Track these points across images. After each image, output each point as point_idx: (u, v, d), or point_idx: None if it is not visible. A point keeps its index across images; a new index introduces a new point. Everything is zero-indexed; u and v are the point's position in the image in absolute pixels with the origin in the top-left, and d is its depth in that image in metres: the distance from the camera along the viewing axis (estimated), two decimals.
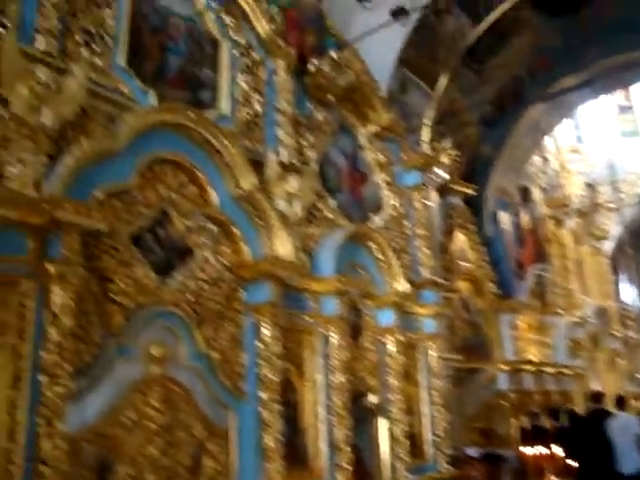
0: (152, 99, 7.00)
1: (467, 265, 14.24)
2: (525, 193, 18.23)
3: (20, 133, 5.60)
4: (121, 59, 6.84)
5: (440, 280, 11.52)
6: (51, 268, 5.40)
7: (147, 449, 6.12)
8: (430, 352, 10.49)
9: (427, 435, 10.18)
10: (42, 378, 5.24)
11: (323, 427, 7.98)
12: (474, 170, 15.86)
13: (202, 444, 6.67)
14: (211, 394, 6.80)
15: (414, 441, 9.76)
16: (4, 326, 5.26)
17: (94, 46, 6.57)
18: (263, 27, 8.64)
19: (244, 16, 8.53)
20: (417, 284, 10.62)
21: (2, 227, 5.33)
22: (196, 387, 6.68)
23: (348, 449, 8.01)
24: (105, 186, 6.04)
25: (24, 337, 5.31)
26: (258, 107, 8.40)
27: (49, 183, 5.59)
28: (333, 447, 7.96)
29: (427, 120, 13.25)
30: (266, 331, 7.18)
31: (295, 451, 7.63)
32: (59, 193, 5.51)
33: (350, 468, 7.95)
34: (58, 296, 5.38)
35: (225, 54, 8.17)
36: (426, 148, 12.35)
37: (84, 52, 6.46)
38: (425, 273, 10.90)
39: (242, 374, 7.13)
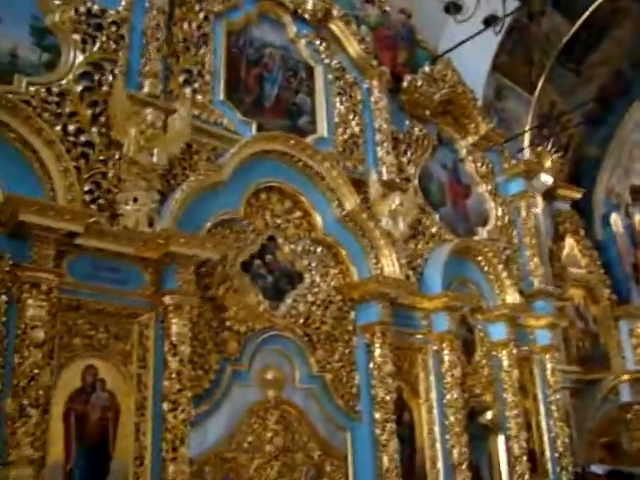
0: (253, 129, 7.18)
1: (579, 271, 13.60)
2: (636, 192, 17.30)
3: (132, 173, 5.88)
4: (221, 94, 7.06)
5: (552, 289, 11.09)
6: (168, 299, 5.62)
7: (266, 471, 6.22)
8: (546, 364, 10.09)
9: (547, 451, 9.77)
10: (165, 405, 5.45)
11: (439, 446, 7.82)
12: (580, 172, 15.20)
13: (319, 465, 6.70)
14: (326, 415, 6.83)
15: (534, 458, 9.39)
16: (127, 356, 5.52)
17: (195, 84, 6.83)
18: (355, 49, 8.68)
19: (335, 40, 8.61)
20: (528, 295, 10.26)
21: (121, 263, 5.62)
22: (311, 409, 6.73)
23: (465, 467, 7.80)
24: (214, 217, 6.26)
25: (146, 366, 5.55)
26: (356, 128, 8.43)
27: (161, 218, 5.84)
28: (450, 466, 7.78)
29: (527, 125, 12.85)
30: (378, 351, 7.14)
31: (412, 471, 7.52)
32: (172, 227, 5.74)
33: None
34: (176, 326, 5.58)
35: (320, 78, 8.27)
36: (528, 154, 11.95)
37: (186, 91, 6.72)
38: (536, 283, 10.51)
39: (356, 394, 7.12)
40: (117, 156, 5.92)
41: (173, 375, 5.47)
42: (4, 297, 4.97)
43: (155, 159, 5.99)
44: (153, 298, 5.68)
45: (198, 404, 5.81)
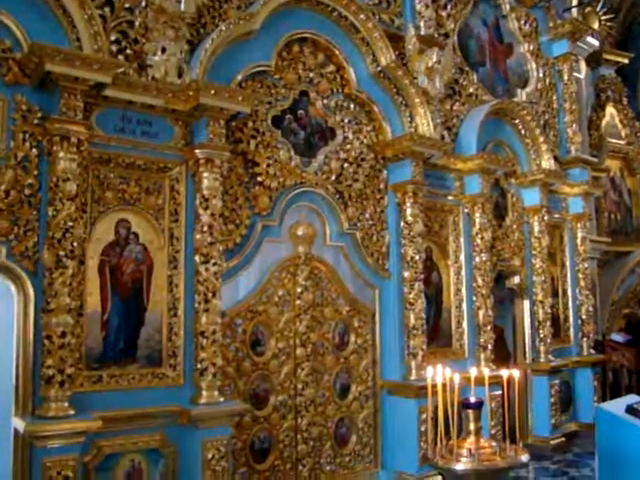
0: None
1: (618, 142, 13.15)
2: None
3: (160, 21, 5.60)
4: None
5: (589, 158, 10.79)
6: (199, 152, 5.50)
7: (295, 324, 6.36)
8: (576, 233, 10.01)
9: (571, 318, 9.92)
10: (197, 258, 5.48)
11: (465, 307, 7.93)
12: (630, 38, 14.33)
13: (347, 320, 6.84)
14: (355, 272, 6.89)
15: (557, 324, 9.56)
16: (159, 210, 5.50)
17: None
18: None
19: None
20: (564, 162, 10.02)
21: (150, 115, 5.47)
22: (341, 266, 6.78)
23: (489, 329, 7.93)
24: (245, 69, 6.00)
25: (178, 220, 5.54)
26: None
27: (191, 69, 5.61)
28: (475, 326, 7.92)
29: None
30: (409, 210, 7.07)
31: (437, 330, 7.69)
32: (201, 78, 5.52)
33: (491, 348, 7.90)
34: (207, 179, 5.50)
35: None
36: (575, 14, 11.19)
37: None
38: (573, 150, 10.22)
39: (385, 253, 7.14)
40: (144, 3, 5.61)
41: (205, 228, 5.46)
42: (35, 150, 4.92)
43: (183, 6, 5.69)
44: (184, 151, 5.58)
45: (229, 258, 5.87)
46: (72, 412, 4.73)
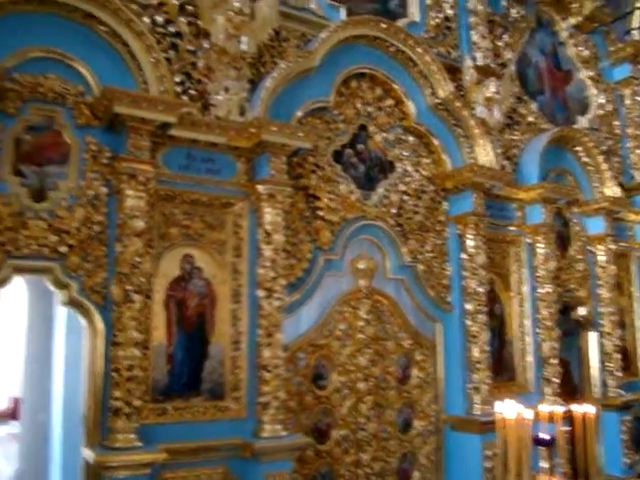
0: (342, 14, 6.87)
1: None
2: None
3: (222, 62, 5.78)
4: None
5: None
6: (261, 188, 5.60)
7: (357, 358, 6.34)
8: None
9: None
10: (259, 292, 5.54)
11: (530, 339, 7.76)
12: None
13: (409, 354, 6.78)
14: (417, 305, 6.85)
15: (626, 356, 9.21)
16: (223, 245, 5.61)
17: None
18: None
19: None
20: (628, 188, 9.76)
21: (214, 153, 5.61)
22: (402, 299, 6.75)
23: (556, 362, 7.73)
24: (305, 106, 6.11)
25: (241, 255, 5.63)
26: (449, 10, 7.94)
27: (252, 107, 5.74)
28: (540, 360, 7.74)
29: (637, 2, 11.76)
30: (470, 242, 7.02)
31: (502, 363, 7.53)
32: (263, 116, 5.64)
33: (557, 381, 7.69)
34: (269, 214, 5.60)
35: None
36: (637, 36, 10.99)
37: None
38: (637, 176, 9.96)
39: (447, 285, 7.08)
40: (206, 45, 5.81)
41: (267, 263, 5.54)
42: (104, 189, 5.09)
43: (244, 47, 5.85)
44: (246, 187, 5.69)
45: (291, 292, 5.91)
46: (139, 444, 4.81)
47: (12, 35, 4.86)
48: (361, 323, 6.39)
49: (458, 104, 7.03)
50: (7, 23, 4.84)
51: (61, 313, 6.72)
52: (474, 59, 7.76)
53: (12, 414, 13.82)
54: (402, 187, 6.82)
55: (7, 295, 4.94)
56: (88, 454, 4.81)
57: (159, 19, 5.63)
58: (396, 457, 6.59)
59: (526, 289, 7.83)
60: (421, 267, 6.86)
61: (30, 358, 8.64)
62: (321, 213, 6.18)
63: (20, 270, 4.83)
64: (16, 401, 12.92)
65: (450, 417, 6.92)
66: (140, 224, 5.02)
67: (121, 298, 4.92)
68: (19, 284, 7.82)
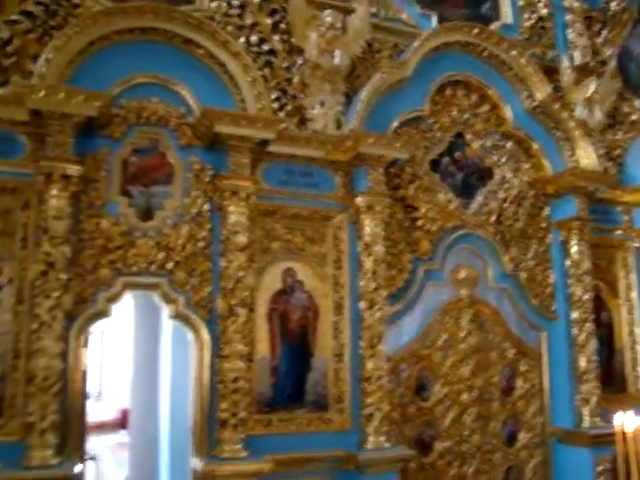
0: (433, 21, 6.79)
1: None
2: None
3: (316, 77, 5.83)
4: None
5: None
6: (360, 200, 5.58)
7: (460, 369, 6.19)
8: None
9: None
10: (361, 304, 5.51)
11: None
12: None
13: (513, 364, 6.56)
14: (520, 314, 6.62)
15: None
16: (323, 258, 5.62)
17: None
18: None
19: None
20: None
21: (312, 167, 5.65)
22: (505, 308, 6.55)
23: None
24: (400, 116, 6.05)
25: (342, 267, 5.63)
26: (543, 10, 7.67)
27: (348, 120, 5.74)
28: None
29: None
30: (574, 248, 6.72)
31: (611, 374, 7.16)
32: (359, 128, 5.61)
33: None
34: (369, 226, 5.57)
35: None
36: None
37: None
38: None
39: (551, 294, 6.81)
40: (300, 62, 5.88)
41: (368, 275, 5.50)
42: (207, 206, 5.22)
43: (337, 61, 5.86)
44: (345, 200, 5.69)
45: (392, 303, 5.84)
46: (245, 454, 4.89)
47: (117, 64, 5.08)
48: (463, 333, 6.23)
49: (556, 106, 6.77)
50: (112, 53, 5.07)
51: (167, 327, 6.93)
52: (572, 58, 7.45)
53: (121, 424, 14.41)
54: (501, 194, 6.61)
55: (116, 310, 5.12)
56: (196, 463, 4.93)
57: (253, 38, 5.78)
58: (501, 470, 6.37)
59: (635, 295, 7.41)
60: (523, 275, 6.63)
61: (137, 370, 8.96)
62: (420, 223, 6.08)
63: (130, 286, 5.02)
64: (124, 412, 13.46)
65: (557, 429, 6.63)
66: (243, 239, 5.11)
67: (226, 312, 5.01)
68: (126, 299, 8.12)
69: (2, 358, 4.69)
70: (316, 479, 5.27)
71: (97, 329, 15.59)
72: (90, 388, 15.60)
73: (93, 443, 13.59)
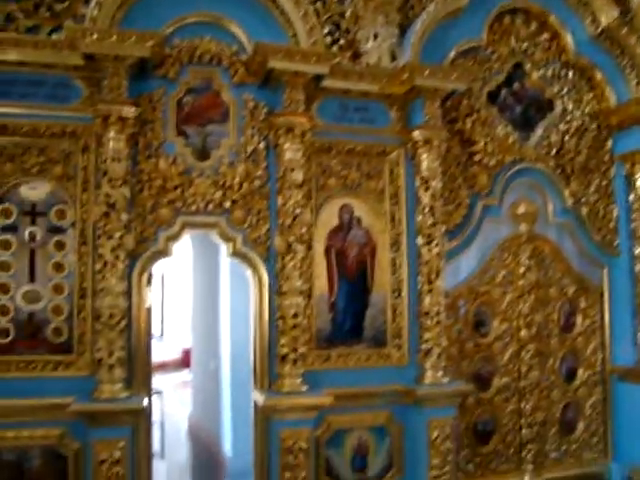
0: None
1: None
2: None
3: (369, 9, 5.61)
4: None
5: None
6: (416, 134, 5.42)
7: (519, 305, 6.09)
8: None
9: None
10: (419, 240, 5.42)
11: None
12: None
13: (573, 301, 6.41)
14: (581, 250, 6.42)
15: None
16: (380, 194, 5.53)
17: None
18: None
19: None
20: None
21: (367, 102, 5.50)
22: (565, 244, 6.36)
23: None
24: (456, 47, 5.80)
25: (399, 203, 5.53)
26: None
27: (403, 52, 5.54)
28: None
29: None
30: (639, 181, 6.43)
31: None
32: (414, 60, 5.42)
33: None
34: (426, 161, 5.41)
35: None
36: None
37: None
38: None
39: (614, 229, 6.57)
40: None
41: (426, 210, 5.39)
42: (262, 144, 5.17)
43: None
44: (401, 134, 5.54)
45: (450, 239, 5.74)
46: (305, 388, 4.95)
47: (168, 4, 5.03)
48: (522, 269, 6.09)
49: (624, 31, 6.36)
50: None
51: (225, 265, 6.98)
52: None
53: (184, 363, 14.84)
54: (562, 126, 6.33)
55: (176, 250, 5.18)
56: (258, 398, 5.01)
57: None
58: (559, 407, 6.30)
59: None
60: (585, 210, 6.40)
61: (198, 310, 9.14)
62: (478, 157, 5.90)
63: (189, 226, 5.05)
64: (187, 352, 13.83)
65: (617, 367, 6.49)
66: (299, 176, 5.05)
67: (284, 249, 5.00)
68: (185, 239, 8.22)
69: (69, 298, 4.82)
70: (375, 413, 5.32)
71: (158, 270, 15.95)
72: (153, 329, 16.18)
73: (157, 382, 14.10)
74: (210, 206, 5.03)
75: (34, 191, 4.84)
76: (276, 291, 5.05)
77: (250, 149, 5.14)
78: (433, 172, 5.41)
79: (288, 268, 4.99)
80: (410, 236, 5.50)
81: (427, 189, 5.39)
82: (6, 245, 4.76)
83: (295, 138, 5.05)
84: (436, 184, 5.41)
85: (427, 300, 5.34)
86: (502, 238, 6.06)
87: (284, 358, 4.94)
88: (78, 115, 4.84)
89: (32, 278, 4.81)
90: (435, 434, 5.20)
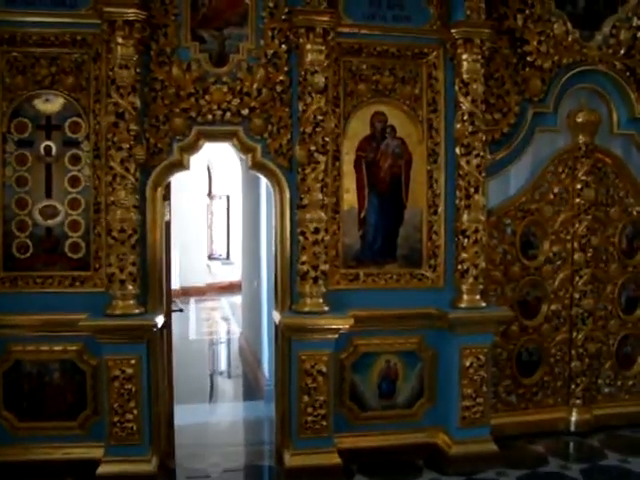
0: None
1: None
2: None
3: None
4: None
5: None
6: (456, 32, 4.58)
7: (574, 226, 5.28)
8: None
9: None
10: (457, 150, 4.68)
11: None
12: None
13: (638, 223, 5.51)
14: None
15: None
16: (416, 100, 4.80)
17: None
18: None
19: None
20: None
21: None
22: (632, 158, 5.43)
23: None
24: None
25: (437, 110, 4.79)
26: None
27: None
28: None
29: None
30: None
31: None
32: None
33: None
34: (466, 62, 4.59)
35: None
36: None
37: None
38: None
39: None
40: None
41: (465, 117, 4.60)
42: (283, 46, 4.56)
43: None
44: (440, 33, 4.71)
45: (496, 150, 4.97)
46: (326, 308, 4.45)
47: None
48: (579, 186, 5.22)
49: None
50: None
51: (263, 183, 6.46)
52: None
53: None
54: (636, 21, 5.26)
55: (194, 163, 4.77)
56: (277, 317, 4.60)
57: None
58: (616, 339, 5.51)
59: None
60: None
61: (246, 230, 8.80)
62: (530, 59, 4.99)
63: (205, 136, 4.55)
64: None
65: None
66: (321, 80, 4.39)
67: (304, 159, 4.42)
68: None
69: (86, 213, 4.50)
70: (406, 337, 4.77)
71: (224, 191, 15.80)
72: (219, 251, 16.17)
73: (224, 303, 14.16)
74: (227, 115, 4.50)
75: (48, 104, 4.48)
76: (297, 205, 4.51)
77: (270, 52, 4.53)
78: (474, 74, 4.58)
79: (309, 180, 4.41)
80: (449, 147, 4.75)
81: (467, 94, 4.58)
82: (22, 160, 4.47)
83: (316, 38, 4.36)
84: (477, 87, 4.58)
85: (465, 217, 4.63)
86: (557, 150, 5.20)
87: (304, 276, 4.44)
88: (87, 21, 4.36)
89: (48, 193, 4.50)
90: (468, 362, 4.59)
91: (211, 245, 16.28)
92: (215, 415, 6.31)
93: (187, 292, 14.42)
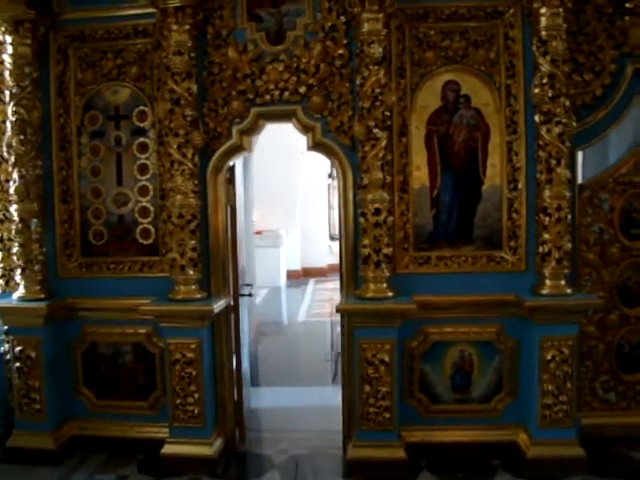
0: None
1: None
2: None
3: None
4: None
5: None
6: None
7: None
8: None
9: None
10: (537, 117, 4.02)
11: None
12: None
13: None
14: None
15: None
16: (492, 65, 4.22)
17: None
18: None
19: None
20: None
21: None
22: None
23: None
24: None
25: (515, 74, 4.18)
26: None
27: None
28: None
29: None
30: None
31: None
32: None
33: None
34: (545, 17, 3.89)
35: None
36: None
37: None
38: None
39: None
40: None
41: (544, 80, 3.92)
42: (342, 17, 4.20)
43: None
44: None
45: (586, 115, 4.22)
46: (390, 294, 4.05)
47: None
48: None
49: None
50: None
51: None
52: None
53: None
54: None
55: (257, 145, 4.59)
56: (338, 303, 4.26)
57: None
58: None
59: None
60: None
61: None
62: (630, 5, 4.14)
63: (264, 117, 4.33)
64: None
65: None
66: (378, 50, 3.97)
67: (363, 135, 4.04)
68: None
69: (154, 199, 4.49)
70: (481, 326, 4.26)
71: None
72: (334, 232, 15.70)
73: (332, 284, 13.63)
74: (285, 94, 4.24)
75: (116, 95, 4.52)
76: (357, 184, 4.16)
77: (328, 25, 4.20)
78: (554, 30, 3.87)
79: (369, 157, 4.02)
80: (529, 115, 4.12)
81: (546, 53, 3.90)
82: (96, 150, 4.56)
83: (372, 5, 3.94)
84: (557, 45, 3.87)
85: (546, 192, 3.98)
86: None
87: (366, 260, 4.08)
88: (146, 11, 4.31)
89: (120, 182, 4.55)
90: (549, 355, 3.97)
91: (332, 225, 16.09)
92: (302, 399, 6.08)
93: (308, 273, 14.39)
